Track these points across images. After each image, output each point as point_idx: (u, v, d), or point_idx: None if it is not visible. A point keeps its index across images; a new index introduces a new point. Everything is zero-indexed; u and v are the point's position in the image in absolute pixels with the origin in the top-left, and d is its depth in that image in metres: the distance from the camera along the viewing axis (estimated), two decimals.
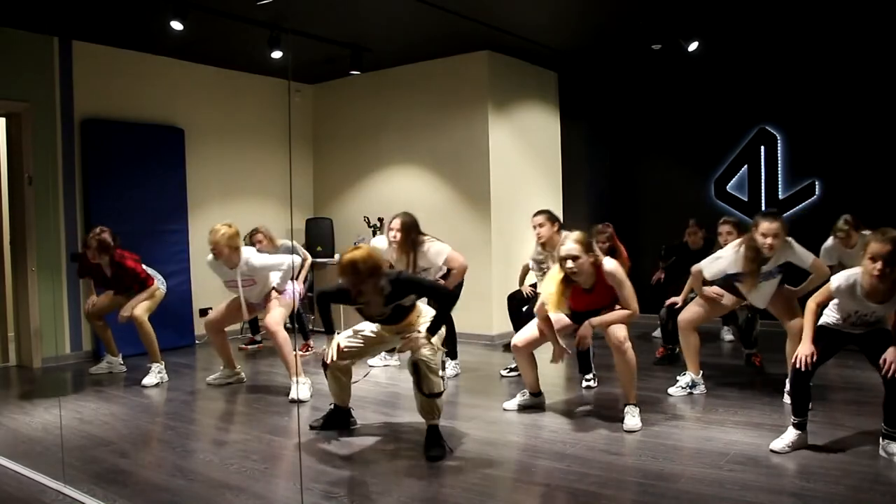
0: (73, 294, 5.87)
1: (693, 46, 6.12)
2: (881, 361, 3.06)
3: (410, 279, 3.68)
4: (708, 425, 3.74)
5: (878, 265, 2.98)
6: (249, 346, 6.40)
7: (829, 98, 6.29)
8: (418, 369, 3.38)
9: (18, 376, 5.50)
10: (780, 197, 6.64)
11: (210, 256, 4.72)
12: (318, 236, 7.26)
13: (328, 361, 3.66)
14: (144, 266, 5.25)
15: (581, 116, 7.56)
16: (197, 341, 6.58)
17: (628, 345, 3.70)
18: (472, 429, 3.84)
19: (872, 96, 6.11)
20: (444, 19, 5.52)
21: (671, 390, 4.39)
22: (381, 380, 5.08)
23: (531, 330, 4.01)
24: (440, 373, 3.46)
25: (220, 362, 5.05)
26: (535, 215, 4.94)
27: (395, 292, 3.45)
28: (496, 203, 6.63)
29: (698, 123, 7.10)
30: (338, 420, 3.88)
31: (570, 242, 3.69)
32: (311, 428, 3.86)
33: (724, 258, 4.05)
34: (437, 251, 4.82)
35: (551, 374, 5.22)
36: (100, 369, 5.40)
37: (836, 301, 3.28)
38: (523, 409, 4.16)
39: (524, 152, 7.01)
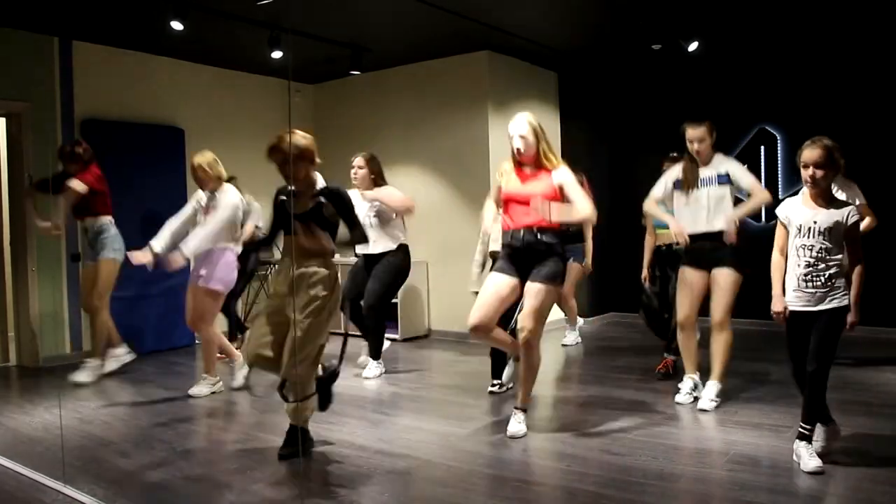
0: (73, 294, 5.86)
1: (693, 46, 6.12)
2: (848, 325, 3.07)
3: (344, 196, 3.43)
4: (708, 425, 3.74)
5: (811, 171, 3.06)
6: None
7: (829, 98, 6.29)
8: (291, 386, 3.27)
9: (18, 376, 5.51)
10: (780, 196, 6.64)
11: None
12: None
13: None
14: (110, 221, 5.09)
15: (581, 116, 7.56)
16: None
17: (536, 342, 3.60)
18: (471, 429, 3.84)
19: (872, 96, 6.11)
20: (444, 19, 5.52)
21: (679, 398, 4.20)
22: (381, 379, 5.07)
23: (483, 303, 3.63)
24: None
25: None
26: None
27: (325, 194, 3.38)
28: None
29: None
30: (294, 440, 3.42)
31: (522, 119, 3.73)
32: (280, 458, 3.40)
33: (667, 173, 4.33)
34: (391, 191, 5.09)
35: (550, 373, 5.23)
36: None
37: (791, 252, 3.16)
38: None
39: None
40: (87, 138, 5.91)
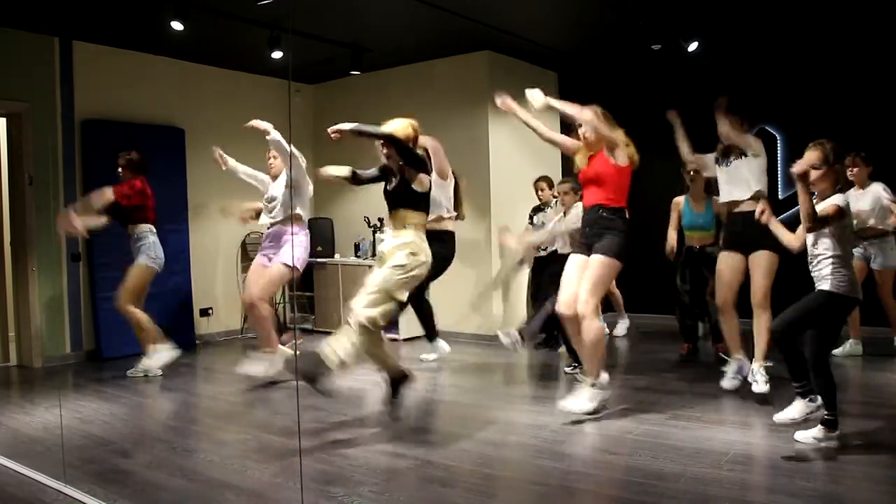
0: (73, 294, 5.87)
1: (693, 46, 6.12)
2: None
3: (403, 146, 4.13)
4: (708, 425, 3.74)
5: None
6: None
7: (829, 98, 6.28)
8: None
9: (19, 376, 5.51)
10: (780, 197, 6.63)
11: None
12: (319, 236, 7.25)
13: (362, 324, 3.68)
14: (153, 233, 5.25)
15: None
16: (197, 341, 6.58)
17: (590, 314, 3.74)
18: (471, 429, 3.84)
19: (872, 96, 6.10)
20: (444, 19, 5.52)
21: (724, 384, 4.33)
22: (380, 379, 5.06)
23: (569, 288, 3.86)
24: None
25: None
26: (538, 181, 5.85)
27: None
28: (496, 203, 6.63)
29: (698, 123, 7.09)
30: (400, 384, 4.09)
31: (592, 108, 4.04)
32: (388, 409, 4.06)
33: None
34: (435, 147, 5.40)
35: (550, 373, 5.23)
36: (136, 373, 5.14)
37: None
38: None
39: (524, 152, 7.01)
40: (87, 138, 5.94)
